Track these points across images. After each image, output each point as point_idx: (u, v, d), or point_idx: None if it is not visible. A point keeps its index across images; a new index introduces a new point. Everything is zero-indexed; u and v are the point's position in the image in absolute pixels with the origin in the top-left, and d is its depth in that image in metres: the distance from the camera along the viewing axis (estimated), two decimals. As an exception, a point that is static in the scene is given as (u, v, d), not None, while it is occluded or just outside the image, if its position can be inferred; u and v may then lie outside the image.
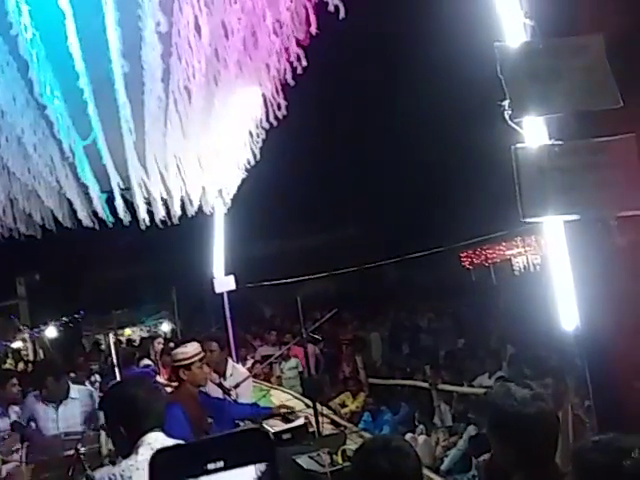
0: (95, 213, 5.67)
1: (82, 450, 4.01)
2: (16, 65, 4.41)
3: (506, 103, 2.05)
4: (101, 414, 4.82)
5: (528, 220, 2.08)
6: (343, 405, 8.51)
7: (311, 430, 4.12)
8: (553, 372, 6.87)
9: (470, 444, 5.97)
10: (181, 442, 2.37)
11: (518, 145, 2.08)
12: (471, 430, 6.71)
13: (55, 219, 6.42)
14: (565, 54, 2.10)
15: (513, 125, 2.08)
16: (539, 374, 7.19)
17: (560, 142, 2.07)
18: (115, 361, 6.24)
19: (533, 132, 2.12)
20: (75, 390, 4.83)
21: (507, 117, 2.06)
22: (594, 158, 2.04)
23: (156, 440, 2.27)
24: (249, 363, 8.83)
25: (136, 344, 13.07)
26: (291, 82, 4.83)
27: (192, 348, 4.01)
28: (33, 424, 4.65)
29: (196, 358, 3.97)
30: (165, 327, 16.90)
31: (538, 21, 2.11)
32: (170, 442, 2.31)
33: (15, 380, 5.20)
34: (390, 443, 2.01)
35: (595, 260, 2.11)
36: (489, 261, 18.53)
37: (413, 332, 11.96)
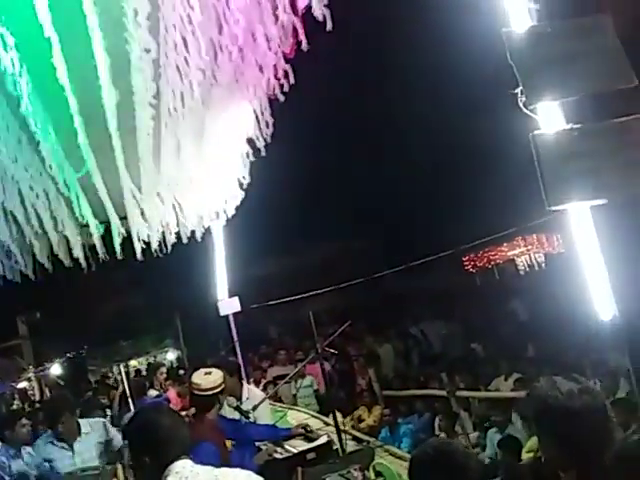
0: (93, 246, 5.58)
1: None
2: (6, 101, 4.36)
3: (519, 90, 1.99)
4: (116, 444, 4.72)
5: (553, 208, 2.00)
6: (360, 420, 8.38)
7: (334, 448, 4.01)
8: (571, 369, 6.79)
9: (500, 447, 5.85)
10: (210, 468, 2.29)
11: (536, 132, 2.01)
12: (492, 434, 6.59)
13: (54, 256, 6.32)
14: (574, 36, 2.05)
15: (528, 112, 2.01)
16: (558, 372, 7.10)
17: (579, 125, 2.01)
18: (128, 393, 6.10)
19: (548, 118, 2.06)
20: (86, 425, 4.70)
21: (521, 104, 2.00)
22: (615, 139, 1.98)
23: (184, 468, 2.18)
24: (261, 385, 8.71)
25: (144, 374, 12.91)
26: (284, 95, 4.80)
27: (220, 375, 3.85)
28: (47, 464, 4.53)
29: (224, 385, 3.83)
30: (170, 355, 16.73)
31: (543, 4, 2.05)
32: (199, 469, 2.22)
33: (25, 420, 5.08)
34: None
35: (626, 244, 2.04)
36: (492, 263, 18.48)
37: (422, 341, 11.86)
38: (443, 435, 7.06)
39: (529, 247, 17.65)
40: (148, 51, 4.08)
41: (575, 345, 7.52)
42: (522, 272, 18.39)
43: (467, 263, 18.32)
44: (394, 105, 10.38)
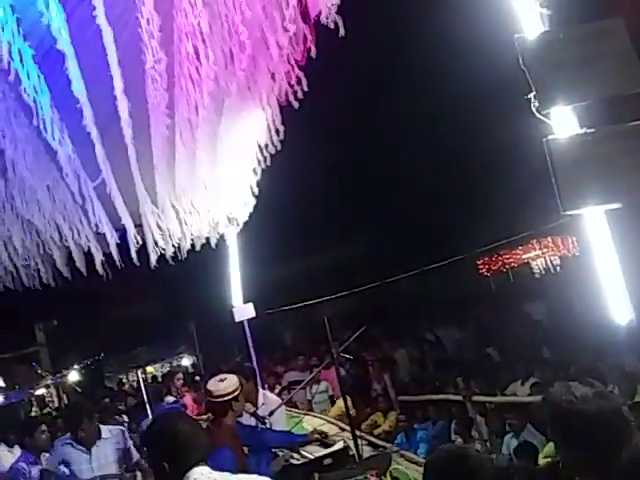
0: (109, 254, 5.63)
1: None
2: (24, 113, 4.44)
3: (532, 95, 2.00)
4: (134, 452, 4.74)
5: (568, 213, 2.00)
6: (375, 426, 8.34)
7: (351, 453, 4.01)
8: (587, 373, 6.72)
9: (517, 454, 5.79)
10: (228, 474, 2.31)
11: (550, 137, 2.01)
12: (509, 440, 6.54)
13: (73, 263, 6.38)
14: (587, 40, 2.05)
15: (541, 117, 2.02)
16: (574, 376, 7.04)
17: (592, 130, 2.01)
18: (145, 398, 6.13)
19: (561, 122, 2.06)
20: (106, 430, 4.73)
21: (534, 109, 2.00)
22: (630, 142, 1.97)
23: (202, 474, 2.20)
24: (276, 391, 8.72)
25: (160, 381, 13.00)
26: (296, 102, 4.82)
27: (234, 381, 3.87)
28: (65, 468, 4.54)
29: (239, 391, 3.84)
30: (185, 362, 16.79)
31: (554, 9, 2.06)
32: (216, 475, 2.23)
33: (44, 427, 5.12)
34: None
35: (642, 248, 2.03)
36: (507, 266, 18.28)
37: (437, 345, 11.79)
38: (459, 440, 7.01)
39: (544, 250, 17.44)
40: (161, 61, 4.14)
41: (592, 349, 7.45)
42: (537, 275, 18.17)
43: (482, 267, 18.14)
44: (407, 109, 10.37)
